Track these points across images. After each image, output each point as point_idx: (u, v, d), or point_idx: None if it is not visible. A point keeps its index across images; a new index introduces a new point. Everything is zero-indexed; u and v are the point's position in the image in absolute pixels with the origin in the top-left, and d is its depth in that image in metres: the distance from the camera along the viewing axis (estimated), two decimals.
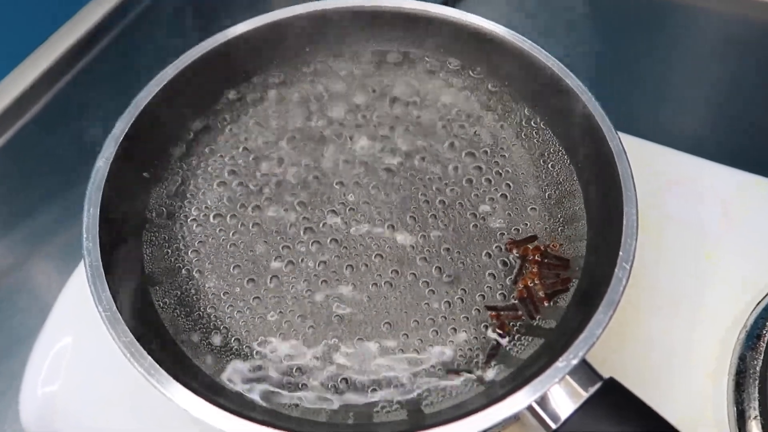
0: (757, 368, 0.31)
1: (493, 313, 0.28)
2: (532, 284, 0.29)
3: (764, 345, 0.32)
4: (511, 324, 0.28)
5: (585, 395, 0.24)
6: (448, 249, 0.30)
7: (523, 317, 0.28)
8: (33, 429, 0.33)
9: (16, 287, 0.44)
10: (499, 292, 0.29)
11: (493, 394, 0.24)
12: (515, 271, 0.29)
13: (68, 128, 0.50)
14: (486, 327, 0.28)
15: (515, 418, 0.29)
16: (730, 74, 0.50)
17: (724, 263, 0.36)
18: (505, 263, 0.30)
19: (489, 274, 0.30)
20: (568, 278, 0.29)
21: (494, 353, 0.28)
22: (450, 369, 0.27)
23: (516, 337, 0.28)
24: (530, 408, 0.24)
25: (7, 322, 0.41)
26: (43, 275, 0.44)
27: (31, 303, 0.42)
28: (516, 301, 0.29)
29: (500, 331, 0.28)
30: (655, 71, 0.50)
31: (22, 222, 0.47)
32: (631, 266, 0.26)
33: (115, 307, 0.25)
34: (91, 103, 0.50)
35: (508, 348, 0.28)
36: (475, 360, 0.28)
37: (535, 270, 0.29)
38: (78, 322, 0.34)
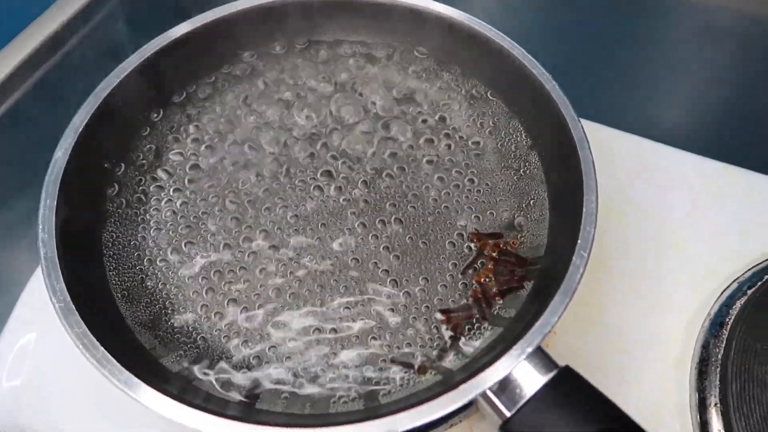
0: (719, 356, 0.31)
1: (445, 317, 0.28)
2: (486, 280, 0.29)
3: (726, 333, 0.32)
4: (464, 324, 0.28)
5: (540, 383, 0.24)
6: (411, 238, 0.30)
7: (476, 317, 0.28)
8: None
9: None
10: (461, 282, 0.29)
11: (449, 382, 0.24)
12: (468, 261, 0.29)
13: (43, 121, 0.49)
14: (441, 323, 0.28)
15: (473, 407, 0.29)
16: (704, 63, 0.50)
17: (690, 251, 0.36)
18: (464, 253, 0.30)
19: (451, 262, 0.30)
20: (523, 276, 0.29)
21: (450, 344, 0.27)
22: (405, 361, 0.27)
23: (475, 326, 0.28)
24: (484, 396, 0.24)
25: None
26: (13, 270, 0.44)
27: (1, 297, 0.42)
28: (470, 301, 0.28)
29: (453, 333, 0.28)
30: (627, 60, 0.50)
31: None
32: (589, 254, 0.25)
33: (69, 298, 0.25)
34: (68, 94, 0.50)
35: (466, 337, 0.28)
36: (432, 350, 0.27)
37: (490, 266, 0.29)
38: (42, 317, 0.34)
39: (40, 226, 0.27)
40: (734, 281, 0.34)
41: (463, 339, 0.27)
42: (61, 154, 0.29)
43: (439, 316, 0.28)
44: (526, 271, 0.29)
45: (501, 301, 0.28)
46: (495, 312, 0.28)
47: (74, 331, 0.25)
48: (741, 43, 0.51)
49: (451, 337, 0.28)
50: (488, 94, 0.35)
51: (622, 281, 0.34)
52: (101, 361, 0.24)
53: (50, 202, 0.28)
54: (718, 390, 0.30)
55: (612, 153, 0.38)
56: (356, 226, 0.31)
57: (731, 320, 0.32)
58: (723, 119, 0.46)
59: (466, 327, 0.28)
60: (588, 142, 0.29)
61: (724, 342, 0.32)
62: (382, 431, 0.22)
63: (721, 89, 0.48)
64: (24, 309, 0.35)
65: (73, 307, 0.25)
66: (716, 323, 0.32)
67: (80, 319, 0.25)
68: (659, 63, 0.49)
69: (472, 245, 0.30)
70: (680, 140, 0.39)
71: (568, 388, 0.24)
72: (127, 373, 0.24)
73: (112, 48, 0.54)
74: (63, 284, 0.26)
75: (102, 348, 0.24)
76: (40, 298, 0.34)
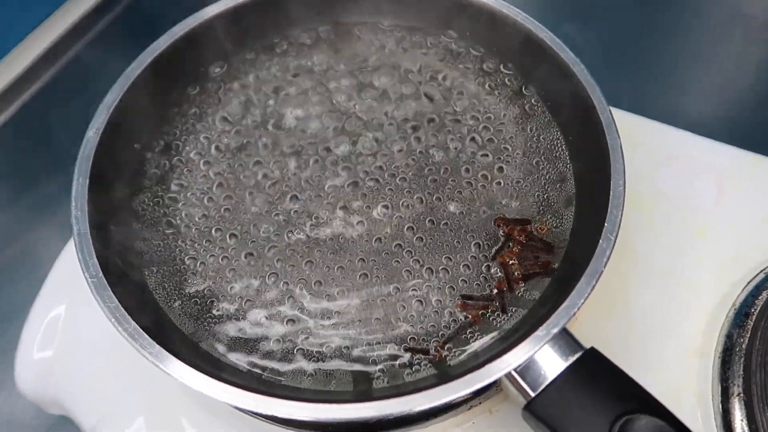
0: (744, 346, 0.31)
1: (462, 302, 0.28)
2: (510, 262, 0.29)
3: (752, 323, 0.31)
4: (482, 314, 0.28)
5: (565, 364, 0.24)
6: (432, 221, 0.30)
7: (496, 308, 0.28)
8: (29, 393, 0.34)
9: (17, 259, 0.45)
10: (484, 265, 0.29)
11: (474, 361, 0.25)
12: (496, 247, 0.29)
13: (73, 102, 0.50)
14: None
15: (497, 388, 0.29)
16: (732, 51, 0.49)
17: (716, 240, 0.35)
18: (491, 239, 0.30)
19: (474, 244, 0.30)
20: (547, 262, 0.29)
21: (474, 326, 0.28)
22: (422, 348, 0.27)
23: (493, 314, 0.28)
24: (509, 376, 0.24)
25: (7, 291, 0.42)
26: (44, 246, 0.45)
27: (32, 274, 0.43)
28: (493, 292, 0.28)
29: (471, 320, 0.28)
30: (655, 48, 0.49)
31: (25, 194, 0.47)
32: (616, 237, 0.25)
33: (101, 274, 0.26)
34: (97, 77, 0.50)
35: (491, 318, 0.28)
36: (458, 330, 0.28)
37: (515, 250, 0.29)
38: (72, 290, 0.35)
39: (73, 204, 0.28)
40: (761, 272, 0.34)
41: (491, 316, 0.28)
42: (93, 134, 0.30)
43: (459, 303, 0.28)
44: (552, 257, 0.29)
45: (523, 285, 0.28)
46: (519, 294, 0.28)
47: (107, 306, 0.25)
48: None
49: (473, 319, 0.28)
50: (514, 78, 0.34)
51: (647, 269, 0.34)
52: (133, 334, 0.24)
53: (83, 180, 0.28)
54: (741, 380, 0.30)
55: (639, 141, 0.38)
56: (385, 206, 0.31)
57: (757, 310, 0.32)
58: (751, 108, 0.45)
59: (485, 316, 0.28)
60: (616, 125, 0.29)
61: (749, 332, 0.31)
62: (414, 405, 0.22)
63: (749, 77, 0.47)
64: (54, 283, 0.36)
65: (106, 282, 0.26)
66: (741, 313, 0.32)
67: (112, 293, 0.25)
68: (687, 51, 0.48)
69: (500, 231, 0.30)
70: (707, 129, 0.38)
71: (594, 370, 0.24)
72: (158, 347, 0.24)
73: (143, 28, 0.54)
74: (96, 260, 0.26)
75: (134, 322, 0.25)
76: (70, 273, 0.35)
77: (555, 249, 0.29)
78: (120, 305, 0.25)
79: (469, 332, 0.27)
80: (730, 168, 0.37)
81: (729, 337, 0.32)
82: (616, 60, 0.47)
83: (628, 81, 0.45)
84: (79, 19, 0.53)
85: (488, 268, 0.29)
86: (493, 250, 0.29)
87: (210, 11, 0.34)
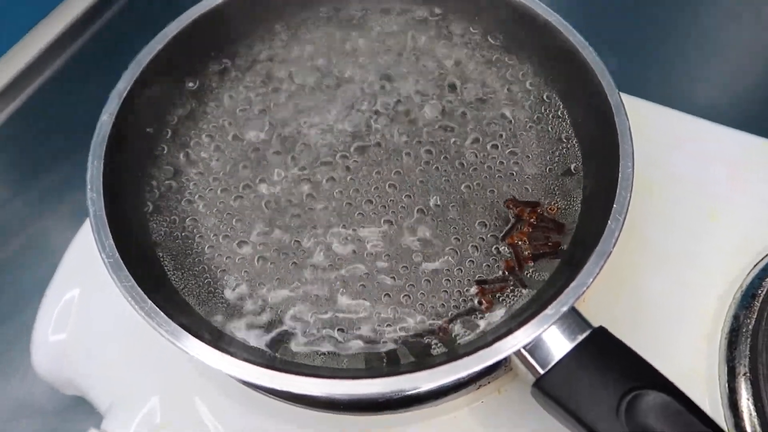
0: (750, 327, 0.31)
1: (479, 288, 0.28)
2: (519, 242, 0.29)
3: (758, 304, 0.32)
4: (497, 296, 0.28)
5: (574, 342, 0.24)
6: (438, 205, 0.31)
7: (510, 287, 0.28)
8: (44, 374, 0.35)
9: (29, 244, 0.46)
10: (493, 246, 0.29)
11: (484, 340, 0.25)
12: (506, 228, 0.30)
13: (81, 90, 0.50)
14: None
15: (506, 365, 0.29)
16: (744, 37, 0.49)
17: (727, 224, 0.35)
18: (500, 220, 0.30)
19: (479, 222, 0.30)
20: (558, 242, 0.29)
21: (485, 306, 0.28)
22: (445, 317, 0.28)
23: (511, 288, 0.28)
24: (519, 354, 0.24)
25: (20, 276, 0.43)
26: (55, 231, 0.45)
27: (44, 257, 0.44)
28: (504, 273, 0.29)
29: (485, 302, 0.28)
30: (666, 34, 0.49)
31: (35, 180, 0.48)
32: (624, 218, 0.26)
33: (117, 255, 0.26)
34: (104, 66, 0.51)
35: (502, 299, 0.28)
36: (468, 308, 0.28)
37: (525, 230, 0.29)
38: (85, 274, 0.35)
39: (89, 186, 0.28)
40: None
41: (490, 302, 0.28)
42: (106, 118, 0.30)
43: (473, 290, 0.28)
44: (562, 237, 0.29)
45: (532, 265, 0.29)
46: (528, 275, 0.28)
47: (123, 285, 0.26)
48: None
49: (487, 304, 0.28)
50: (524, 62, 0.34)
51: (657, 253, 0.34)
52: (149, 313, 0.25)
53: (97, 163, 0.29)
54: (748, 360, 0.30)
55: (650, 126, 0.38)
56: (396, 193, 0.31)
57: (764, 292, 0.32)
58: (761, 94, 0.45)
59: (499, 298, 0.28)
60: (624, 108, 0.29)
61: (756, 313, 0.32)
62: (428, 381, 0.23)
63: (760, 63, 0.47)
64: (68, 266, 0.36)
65: (122, 263, 0.26)
66: (748, 295, 0.32)
67: (129, 274, 0.26)
68: (698, 36, 0.48)
69: (510, 213, 0.30)
70: (718, 114, 0.39)
71: (602, 348, 0.24)
72: (173, 325, 0.25)
73: (154, 14, 0.55)
74: (112, 241, 0.27)
75: (150, 301, 0.25)
76: (84, 256, 0.36)
77: (566, 229, 0.29)
78: (136, 285, 0.25)
79: (478, 313, 0.28)
80: (741, 153, 0.38)
81: (736, 318, 0.32)
82: (627, 44, 0.47)
83: (638, 66, 0.45)
84: (85, 9, 0.54)
85: (497, 249, 0.29)
86: (504, 231, 0.30)
87: None
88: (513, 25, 0.34)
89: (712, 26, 0.49)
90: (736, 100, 0.46)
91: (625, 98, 0.29)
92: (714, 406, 0.30)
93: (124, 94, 0.31)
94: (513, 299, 0.28)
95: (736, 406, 0.29)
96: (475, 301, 0.28)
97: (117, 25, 0.54)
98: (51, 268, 0.37)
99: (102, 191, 0.28)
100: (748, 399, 0.29)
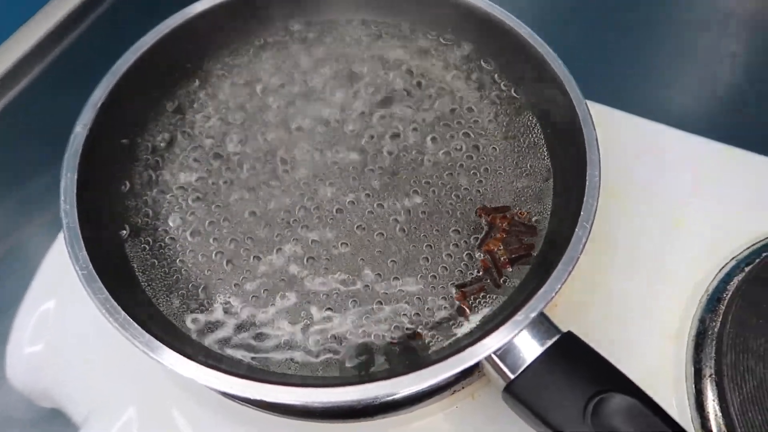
0: (716, 330, 0.32)
1: (459, 293, 0.29)
2: (495, 249, 0.30)
3: (723, 308, 0.33)
4: (474, 298, 0.29)
5: (543, 347, 0.25)
6: (424, 213, 0.31)
7: (487, 287, 0.29)
8: (20, 386, 0.35)
9: (7, 253, 0.45)
10: (465, 253, 0.30)
11: (456, 346, 0.25)
12: (481, 236, 0.30)
13: (60, 98, 0.50)
14: (454, 287, 0.29)
15: (478, 371, 0.30)
16: (708, 46, 0.50)
17: (691, 230, 0.36)
18: (474, 229, 0.31)
19: (453, 230, 0.31)
20: (531, 244, 0.30)
21: (456, 312, 0.29)
22: (414, 326, 0.28)
23: (481, 296, 0.29)
24: (490, 359, 0.25)
25: None
26: (34, 242, 0.45)
27: (22, 268, 0.43)
28: (480, 273, 0.29)
29: (465, 307, 0.29)
30: (632, 43, 0.50)
31: (13, 190, 0.47)
32: (591, 226, 0.26)
33: (91, 266, 0.26)
34: (83, 74, 0.50)
35: (473, 305, 0.29)
36: (442, 318, 0.29)
37: (499, 236, 0.30)
38: (61, 285, 0.35)
39: (62, 198, 0.28)
40: (732, 259, 0.35)
41: (469, 307, 0.29)
42: (80, 129, 0.30)
43: (453, 291, 0.29)
44: (535, 238, 0.30)
45: (511, 270, 0.29)
46: (503, 280, 0.29)
47: (97, 297, 0.26)
48: (745, 25, 0.51)
49: (458, 307, 0.29)
50: (493, 72, 0.35)
51: (624, 258, 0.35)
52: (123, 324, 0.25)
53: (71, 175, 0.29)
54: (713, 362, 0.31)
55: (616, 134, 0.39)
56: (366, 196, 0.32)
57: (728, 296, 0.33)
58: (725, 101, 0.47)
59: (477, 300, 0.29)
60: (592, 118, 0.30)
61: (721, 316, 0.33)
62: (402, 387, 0.23)
63: (723, 71, 0.49)
64: (44, 278, 0.36)
65: (96, 275, 0.26)
66: (714, 298, 0.33)
67: (102, 285, 0.26)
68: (663, 46, 0.49)
69: (483, 221, 0.31)
70: (682, 122, 0.40)
71: (570, 352, 0.25)
72: (148, 336, 0.25)
73: (131, 24, 0.54)
74: (85, 252, 0.27)
75: (124, 312, 0.25)
76: (59, 268, 0.36)
77: (537, 231, 0.30)
78: (110, 297, 0.26)
79: (452, 319, 0.28)
80: (705, 160, 0.39)
81: (702, 321, 0.33)
82: (593, 53, 0.48)
83: (604, 75, 0.46)
84: (65, 15, 0.53)
85: (470, 256, 0.30)
86: (478, 240, 0.30)
87: (194, 9, 0.34)
88: (482, 36, 0.34)
89: (678, 35, 0.51)
90: (700, 107, 0.47)
91: (590, 105, 0.30)
92: (681, 408, 0.31)
93: (99, 105, 0.31)
94: (486, 304, 0.29)
95: (703, 407, 0.30)
96: (454, 307, 0.29)
97: (96, 33, 0.54)
98: (27, 278, 0.36)
99: (75, 203, 0.28)
100: (714, 400, 0.30)
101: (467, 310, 0.28)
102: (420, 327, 0.28)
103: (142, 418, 0.32)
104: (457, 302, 0.29)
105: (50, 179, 0.46)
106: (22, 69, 0.51)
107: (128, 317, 0.25)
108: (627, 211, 0.37)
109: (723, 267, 0.35)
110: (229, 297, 0.29)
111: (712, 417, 0.30)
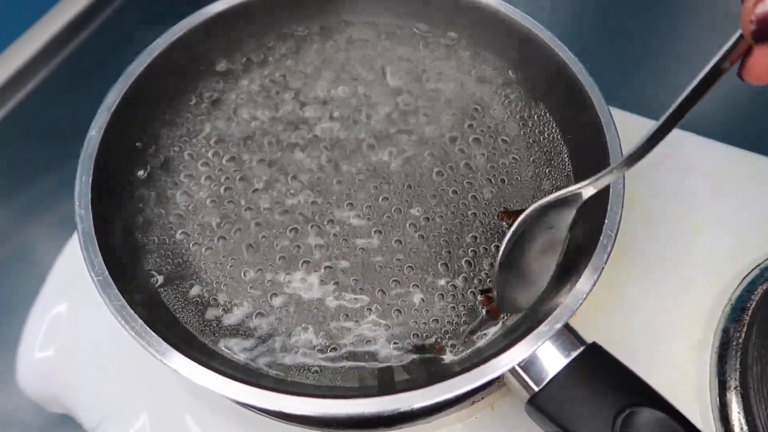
0: (740, 341, 0.31)
1: (484, 297, 0.28)
2: None
3: (747, 318, 0.32)
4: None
5: (568, 359, 0.24)
6: (441, 215, 0.31)
7: None
8: (30, 392, 0.34)
9: (14, 256, 0.45)
10: (487, 261, 0.29)
11: (478, 357, 0.25)
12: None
13: (67, 100, 0.50)
14: (473, 294, 0.29)
15: (500, 382, 0.29)
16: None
17: (712, 237, 0.36)
18: (494, 235, 0.30)
19: (471, 236, 0.30)
20: None
21: (480, 323, 0.28)
22: (434, 335, 0.28)
23: None
24: (513, 371, 0.24)
25: (5, 290, 0.42)
26: (42, 244, 0.45)
27: (30, 271, 0.43)
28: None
29: (494, 310, 0.28)
30: (651, 47, 0.49)
31: (21, 192, 0.47)
32: (616, 234, 0.26)
33: (107, 272, 0.26)
34: (91, 76, 0.50)
35: (497, 316, 0.28)
36: (462, 326, 0.28)
37: None
38: (73, 289, 0.35)
39: (77, 202, 0.28)
40: (756, 267, 0.34)
41: (497, 311, 0.28)
42: (95, 133, 0.30)
43: (474, 298, 0.28)
44: None
45: None
46: None
47: (113, 304, 0.25)
48: None
49: (481, 316, 0.28)
50: (515, 77, 0.35)
51: (645, 266, 0.35)
52: (140, 332, 0.25)
53: (86, 179, 0.28)
54: (738, 374, 0.31)
55: (635, 140, 0.38)
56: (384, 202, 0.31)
57: (753, 305, 0.33)
58: (746, 107, 0.46)
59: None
60: (615, 124, 0.29)
61: (745, 327, 0.32)
62: (424, 399, 0.22)
63: None
64: (56, 282, 0.36)
65: (111, 281, 0.26)
66: (737, 308, 0.33)
67: (118, 292, 0.25)
68: (684, 50, 0.49)
69: (504, 223, 0.30)
70: (703, 128, 0.39)
71: (596, 364, 0.24)
72: (165, 344, 0.24)
73: (138, 27, 0.54)
74: (101, 258, 0.26)
75: (140, 320, 0.25)
76: (71, 271, 0.35)
77: None
78: (126, 304, 0.25)
79: (474, 329, 0.28)
80: (725, 166, 0.38)
81: (726, 331, 0.32)
82: (613, 58, 0.48)
83: (624, 79, 0.46)
84: (72, 18, 0.53)
85: (491, 265, 0.29)
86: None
87: (210, 10, 0.34)
88: (503, 40, 0.34)
89: (696, 40, 0.50)
90: (720, 113, 0.47)
91: (611, 111, 0.29)
92: (705, 420, 0.30)
93: (113, 108, 0.30)
94: (507, 315, 0.28)
95: (728, 420, 0.30)
96: (483, 311, 0.28)
97: (103, 36, 0.54)
98: (38, 280, 0.36)
99: (90, 208, 0.28)
100: (739, 413, 0.30)
101: (499, 314, 0.28)
102: (439, 336, 0.28)
103: (155, 425, 0.32)
104: (483, 307, 0.28)
105: (57, 181, 0.46)
106: (29, 71, 0.51)
107: (145, 325, 0.24)
108: (647, 219, 0.36)
109: (746, 276, 0.34)
110: (246, 306, 0.29)
111: (737, 430, 0.29)
